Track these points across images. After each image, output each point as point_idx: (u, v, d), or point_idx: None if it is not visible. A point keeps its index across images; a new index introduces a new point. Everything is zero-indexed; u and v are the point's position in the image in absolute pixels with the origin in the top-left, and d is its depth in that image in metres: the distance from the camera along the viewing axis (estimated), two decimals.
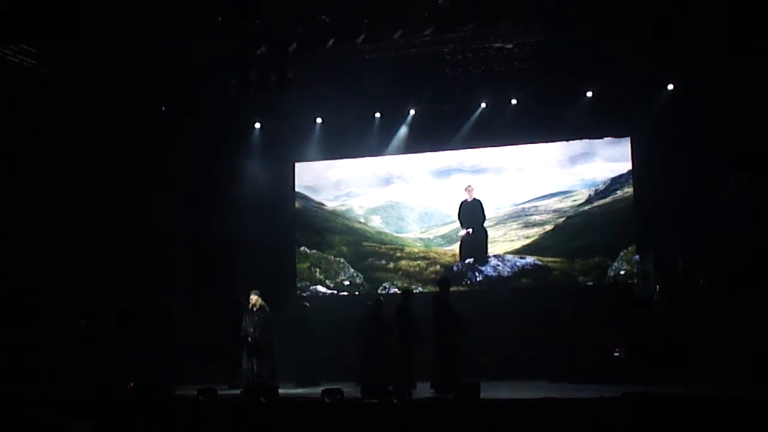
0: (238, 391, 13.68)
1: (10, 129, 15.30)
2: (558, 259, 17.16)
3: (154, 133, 17.38)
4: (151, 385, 12.17)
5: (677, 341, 14.47)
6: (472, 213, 17.69)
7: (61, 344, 15.40)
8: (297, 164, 18.72)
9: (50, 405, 10.81)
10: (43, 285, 15.52)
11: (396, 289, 17.53)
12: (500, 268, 17.49)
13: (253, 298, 15.29)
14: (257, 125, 18.36)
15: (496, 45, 14.91)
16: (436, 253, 17.98)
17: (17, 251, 15.44)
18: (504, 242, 17.55)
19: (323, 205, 18.73)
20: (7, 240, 15.30)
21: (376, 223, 18.48)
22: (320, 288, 18.40)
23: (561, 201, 17.34)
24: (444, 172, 18.09)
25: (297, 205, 18.73)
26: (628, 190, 16.82)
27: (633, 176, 16.77)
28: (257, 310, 15.22)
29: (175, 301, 16.81)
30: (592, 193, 17.13)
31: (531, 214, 17.48)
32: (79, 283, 16.20)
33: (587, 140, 17.13)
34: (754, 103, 14.74)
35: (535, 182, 17.47)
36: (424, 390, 13.93)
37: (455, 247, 17.80)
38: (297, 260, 18.56)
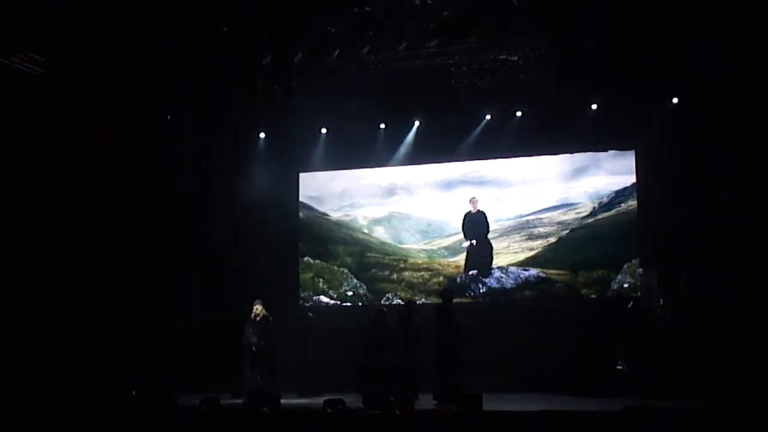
0: (240, 401, 13.71)
1: (14, 135, 15.36)
2: (561, 272, 17.14)
3: (158, 141, 17.42)
4: (154, 393, 12.20)
5: (680, 355, 14.45)
6: (476, 225, 17.68)
7: (66, 349, 15.46)
8: (301, 174, 18.72)
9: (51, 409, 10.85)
10: (44, 289, 15.57)
11: (399, 300, 17.51)
12: (504, 280, 17.47)
13: (257, 307, 15.31)
14: (262, 135, 18.38)
15: (501, 57, 14.89)
16: (439, 264, 17.97)
17: (20, 256, 15.49)
18: (508, 254, 17.54)
19: (327, 215, 18.74)
20: (13, 244, 15.37)
21: (379, 233, 18.49)
22: (323, 298, 18.40)
23: (565, 213, 17.33)
24: (448, 184, 18.08)
25: (301, 215, 18.74)
26: (632, 203, 16.79)
27: (637, 189, 16.73)
28: (260, 319, 15.23)
29: (178, 310, 16.82)
30: (596, 205, 17.11)
31: (535, 227, 17.47)
32: (81, 287, 16.22)
33: (592, 153, 17.11)
34: (758, 118, 14.73)
35: (539, 194, 17.46)
36: (426, 401, 13.96)
37: (459, 259, 17.80)
38: (300, 270, 18.54)
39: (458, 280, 17.64)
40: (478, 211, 17.67)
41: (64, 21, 13.88)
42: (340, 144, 17.99)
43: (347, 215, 18.67)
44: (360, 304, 18.05)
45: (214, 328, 16.50)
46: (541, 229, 17.43)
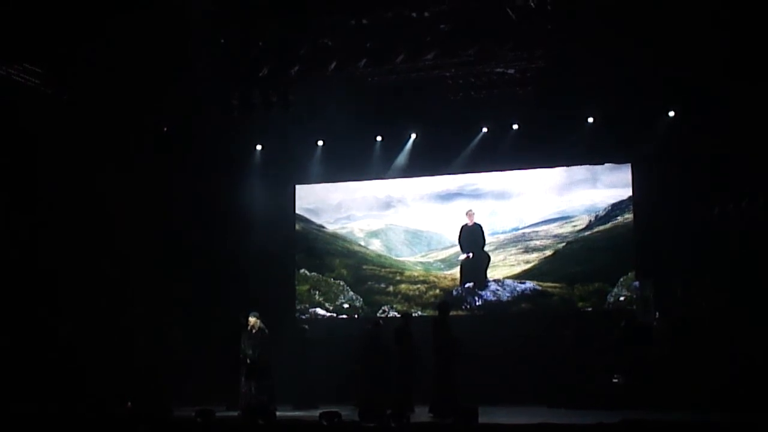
0: (236, 413, 13.67)
1: (11, 146, 15.37)
2: (558, 285, 17.13)
3: (155, 153, 17.41)
4: (150, 404, 12.15)
5: (676, 367, 14.44)
6: (472, 237, 17.68)
7: (64, 358, 15.43)
8: (298, 186, 18.74)
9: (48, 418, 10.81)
10: (42, 298, 15.55)
11: (395, 313, 17.50)
12: (500, 292, 17.46)
13: (252, 320, 15.25)
14: (258, 147, 18.38)
15: (498, 70, 14.94)
16: (435, 277, 17.96)
17: (18, 265, 15.49)
18: (504, 267, 17.54)
19: (324, 227, 18.73)
20: (9, 252, 15.38)
21: (376, 246, 18.48)
22: (320, 310, 18.36)
23: (561, 226, 17.34)
24: (445, 197, 18.10)
25: (297, 227, 18.73)
26: (628, 216, 16.82)
27: (633, 202, 16.78)
28: (256, 332, 15.18)
29: (174, 321, 16.78)
30: (593, 218, 17.13)
31: (531, 239, 17.48)
32: (79, 298, 16.18)
33: (588, 166, 17.16)
34: (754, 131, 14.77)
35: (535, 207, 17.49)
36: (422, 414, 13.93)
37: (455, 272, 17.79)
38: (297, 282, 18.54)
39: (454, 292, 17.63)
40: (475, 223, 17.67)
41: (62, 32, 13.88)
42: (336, 156, 17.99)
43: (344, 227, 18.66)
44: (356, 316, 18.04)
45: (211, 340, 16.46)
46: (538, 242, 17.43)
